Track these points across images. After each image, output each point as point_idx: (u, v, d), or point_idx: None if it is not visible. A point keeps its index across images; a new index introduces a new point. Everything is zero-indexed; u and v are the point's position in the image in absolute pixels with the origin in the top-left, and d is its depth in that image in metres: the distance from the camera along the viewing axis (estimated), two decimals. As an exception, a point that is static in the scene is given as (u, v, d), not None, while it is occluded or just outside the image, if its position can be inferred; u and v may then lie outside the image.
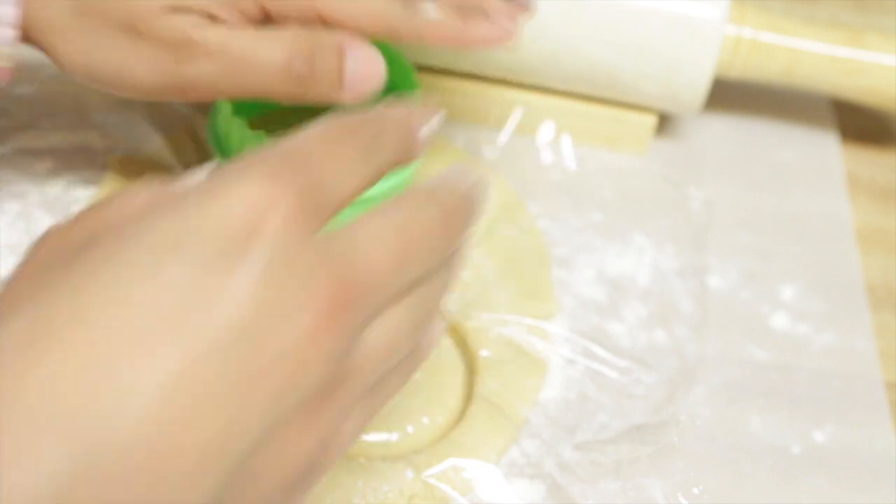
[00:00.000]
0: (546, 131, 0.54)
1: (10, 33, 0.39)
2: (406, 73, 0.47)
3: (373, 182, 0.30)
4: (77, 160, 0.49)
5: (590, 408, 0.44)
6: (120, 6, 0.39)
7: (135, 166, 0.48)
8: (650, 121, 0.54)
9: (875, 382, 0.47)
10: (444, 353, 0.44)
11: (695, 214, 0.52)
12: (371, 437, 0.41)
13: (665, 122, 0.56)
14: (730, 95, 0.57)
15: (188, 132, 0.50)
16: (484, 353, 0.44)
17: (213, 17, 0.40)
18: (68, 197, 0.47)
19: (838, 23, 0.56)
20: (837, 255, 0.52)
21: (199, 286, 0.25)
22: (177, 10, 0.39)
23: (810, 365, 0.47)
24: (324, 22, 0.40)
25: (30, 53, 0.41)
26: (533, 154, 0.54)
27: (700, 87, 0.52)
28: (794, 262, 0.51)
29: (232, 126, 0.44)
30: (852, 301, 0.50)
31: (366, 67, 0.40)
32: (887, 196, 0.56)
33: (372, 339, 0.28)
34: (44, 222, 0.46)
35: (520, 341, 0.45)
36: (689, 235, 0.51)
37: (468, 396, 0.43)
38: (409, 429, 0.42)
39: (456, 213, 0.32)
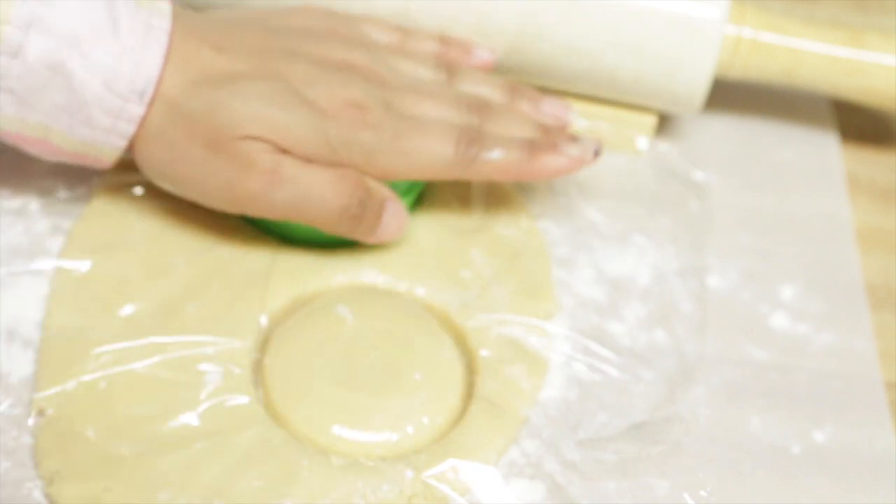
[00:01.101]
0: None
1: (131, 129, 0.42)
2: None
3: None
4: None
5: (590, 407, 0.44)
6: (209, 123, 0.42)
7: (135, 166, 0.48)
8: (650, 121, 0.54)
9: (875, 382, 0.47)
10: (444, 353, 0.44)
11: (695, 214, 0.52)
12: (371, 437, 0.41)
13: (665, 122, 0.56)
14: (730, 95, 0.57)
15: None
16: (484, 353, 0.44)
17: (286, 152, 0.43)
18: (68, 197, 0.47)
19: (838, 23, 0.56)
20: (837, 255, 0.52)
21: None
22: (257, 139, 0.42)
23: (810, 365, 0.47)
24: (389, 179, 0.45)
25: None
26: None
27: (700, 87, 0.52)
28: (794, 262, 0.51)
29: None
30: (852, 301, 0.50)
31: (396, 223, 0.45)
32: (887, 196, 0.56)
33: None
34: (44, 223, 0.46)
35: (520, 341, 0.45)
36: (688, 235, 0.51)
37: (468, 396, 0.43)
38: (409, 429, 0.42)
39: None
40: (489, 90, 0.48)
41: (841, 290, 0.50)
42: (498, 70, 0.53)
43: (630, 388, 0.45)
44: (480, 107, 0.46)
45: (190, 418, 0.41)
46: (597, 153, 0.46)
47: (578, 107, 0.54)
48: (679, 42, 0.51)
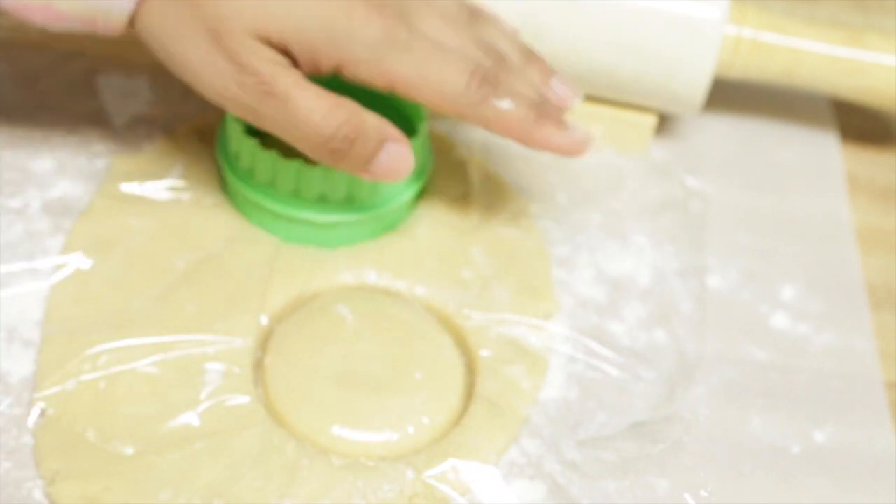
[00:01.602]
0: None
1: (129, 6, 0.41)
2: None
3: None
4: (77, 159, 0.49)
5: (590, 406, 0.44)
6: (214, 9, 0.40)
7: (136, 165, 0.48)
8: (650, 121, 0.54)
9: (875, 382, 0.47)
10: (444, 353, 0.44)
11: (694, 214, 0.52)
12: (371, 437, 0.41)
13: (665, 122, 0.56)
14: (730, 95, 0.57)
15: (195, 132, 0.50)
16: (484, 353, 0.44)
17: (289, 58, 0.41)
18: (68, 197, 0.47)
19: (838, 23, 0.57)
20: (837, 255, 0.52)
21: None
22: (261, 38, 0.40)
23: (810, 365, 0.47)
24: (393, 90, 0.42)
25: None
26: (533, 154, 0.54)
27: (700, 87, 0.52)
28: (794, 262, 0.51)
29: (243, 146, 0.45)
30: (852, 301, 0.50)
31: (395, 164, 0.43)
32: (887, 196, 0.56)
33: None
34: (44, 222, 0.46)
35: (520, 341, 0.45)
36: (688, 235, 0.51)
37: (468, 396, 0.43)
38: (410, 429, 0.42)
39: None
40: (508, 45, 0.46)
41: (841, 290, 0.50)
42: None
43: (630, 388, 0.45)
44: (498, 56, 0.44)
45: (190, 418, 0.41)
46: (589, 145, 0.45)
47: (579, 107, 0.54)
48: (679, 42, 0.51)
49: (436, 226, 0.48)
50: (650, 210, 0.52)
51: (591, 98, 0.54)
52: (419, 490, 0.40)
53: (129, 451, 0.39)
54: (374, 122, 0.42)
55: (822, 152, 0.57)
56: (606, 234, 0.50)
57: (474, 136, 0.53)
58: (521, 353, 0.45)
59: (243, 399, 0.42)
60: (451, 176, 0.51)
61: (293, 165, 0.44)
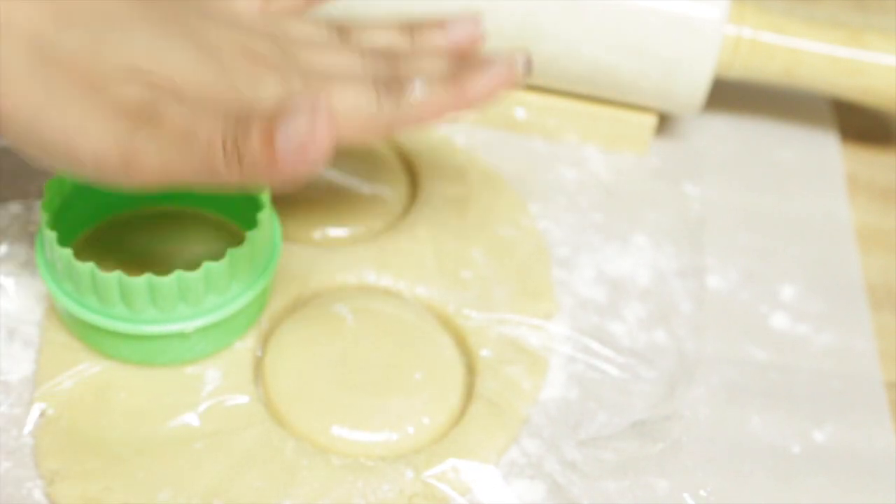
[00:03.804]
0: (547, 131, 0.54)
1: None
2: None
3: None
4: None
5: (590, 406, 0.44)
6: (88, 59, 0.36)
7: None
8: (650, 121, 0.54)
9: (875, 382, 0.47)
10: (444, 353, 0.44)
11: (694, 215, 0.52)
12: (371, 437, 0.41)
13: (665, 122, 0.56)
14: (730, 95, 0.57)
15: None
16: (484, 353, 0.44)
17: (179, 94, 0.37)
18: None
19: (838, 23, 0.56)
20: (837, 255, 0.52)
21: None
22: (146, 74, 0.36)
23: (810, 365, 0.47)
24: None
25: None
26: (533, 154, 0.54)
27: (700, 87, 0.52)
28: (793, 262, 0.51)
29: (56, 254, 0.40)
30: (852, 301, 0.50)
31: (294, 123, 0.33)
32: (887, 196, 0.56)
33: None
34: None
35: (520, 341, 0.45)
36: (688, 235, 0.51)
37: (468, 396, 0.43)
38: (410, 429, 0.42)
39: None
40: (388, 36, 0.42)
41: (841, 290, 0.50)
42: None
43: (630, 388, 0.45)
44: (387, 55, 0.41)
45: (190, 418, 0.41)
46: (528, 63, 0.40)
47: (579, 107, 0.54)
48: (679, 42, 0.51)
49: (436, 226, 0.48)
50: (650, 210, 0.52)
51: (591, 98, 0.54)
52: (419, 490, 0.40)
53: (129, 451, 0.39)
54: (247, 112, 0.35)
55: (822, 152, 0.57)
56: (606, 234, 0.50)
57: (475, 137, 0.53)
58: (522, 353, 0.45)
59: (243, 399, 0.42)
60: (451, 176, 0.51)
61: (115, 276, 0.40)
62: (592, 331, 0.46)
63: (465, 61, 0.40)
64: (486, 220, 0.49)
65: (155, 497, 0.38)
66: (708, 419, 0.44)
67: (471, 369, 0.44)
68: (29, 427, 0.40)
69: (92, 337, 0.42)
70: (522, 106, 0.54)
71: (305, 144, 0.33)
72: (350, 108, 0.38)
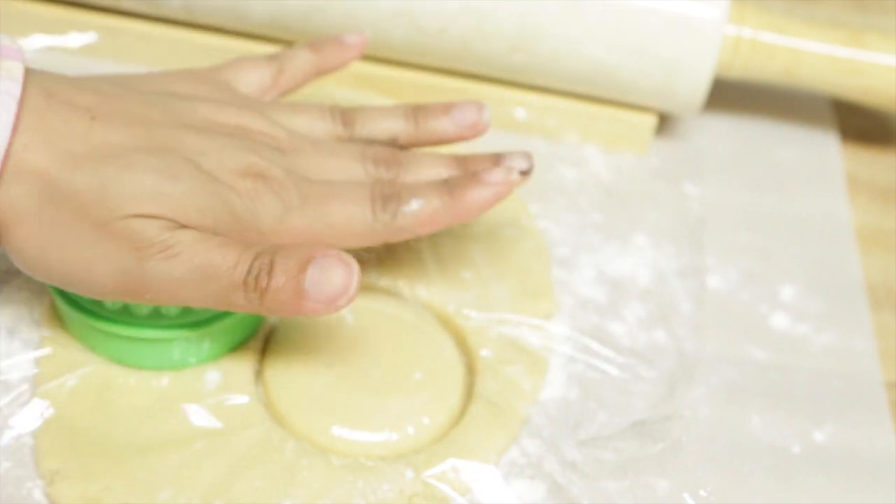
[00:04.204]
0: (546, 131, 0.54)
1: None
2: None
3: None
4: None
5: (590, 406, 0.44)
6: (94, 198, 0.37)
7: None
8: (650, 121, 0.54)
9: (875, 382, 0.47)
10: (444, 353, 0.44)
11: (694, 215, 0.52)
12: (371, 437, 0.41)
13: (665, 122, 0.56)
14: (730, 95, 0.57)
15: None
16: (484, 353, 0.44)
17: (184, 226, 0.38)
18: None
19: (838, 23, 0.57)
20: (837, 255, 0.52)
21: None
22: (151, 216, 0.38)
23: (810, 365, 0.47)
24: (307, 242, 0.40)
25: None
26: (533, 154, 0.54)
27: (700, 87, 0.52)
28: (793, 262, 0.51)
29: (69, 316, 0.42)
30: (852, 301, 0.50)
31: (330, 279, 0.36)
32: (887, 196, 0.56)
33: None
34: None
35: (520, 341, 0.45)
36: (688, 235, 0.51)
37: (468, 396, 0.43)
38: (410, 429, 0.42)
39: None
40: (392, 123, 0.44)
41: (841, 290, 0.50)
42: (498, 69, 0.53)
43: (630, 388, 0.45)
44: (388, 159, 0.42)
45: (190, 418, 0.41)
46: (525, 171, 0.42)
47: (579, 107, 0.54)
48: (679, 42, 0.51)
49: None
50: (650, 210, 0.52)
51: (591, 98, 0.54)
52: (419, 490, 0.40)
53: (129, 451, 0.39)
54: (293, 247, 0.38)
55: (822, 152, 0.57)
56: (606, 234, 0.50)
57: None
58: (522, 353, 0.45)
59: (243, 399, 0.42)
60: (451, 176, 0.51)
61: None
62: (592, 331, 0.46)
63: (463, 166, 0.43)
64: (486, 220, 0.49)
65: (155, 497, 0.38)
66: (708, 419, 0.44)
67: (471, 369, 0.44)
68: (29, 427, 0.40)
69: (95, 340, 0.42)
70: (522, 106, 0.54)
71: (337, 297, 0.37)
72: (346, 220, 0.40)
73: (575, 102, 0.54)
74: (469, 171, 0.42)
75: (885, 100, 0.54)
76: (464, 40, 0.52)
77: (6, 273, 0.44)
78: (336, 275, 0.36)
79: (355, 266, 0.37)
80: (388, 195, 0.40)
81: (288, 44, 0.54)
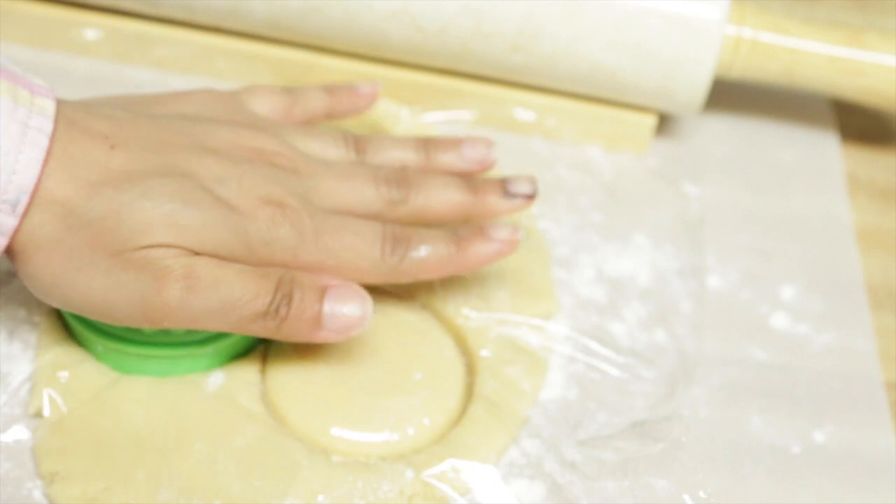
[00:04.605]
0: (546, 131, 0.54)
1: (1, 242, 0.38)
2: None
3: None
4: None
5: (590, 406, 0.44)
6: (115, 231, 0.38)
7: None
8: (650, 121, 0.54)
9: (875, 382, 0.47)
10: (444, 353, 0.44)
11: (694, 214, 0.52)
12: (371, 437, 0.41)
13: (665, 122, 0.56)
14: (730, 95, 0.57)
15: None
16: (484, 353, 0.44)
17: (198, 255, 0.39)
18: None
19: (838, 23, 0.56)
20: (837, 255, 0.52)
21: None
22: (169, 245, 0.38)
23: (810, 365, 0.47)
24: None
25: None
26: (533, 154, 0.54)
27: (700, 87, 0.52)
28: (794, 262, 0.51)
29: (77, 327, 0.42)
30: (852, 301, 0.50)
31: (346, 310, 0.39)
32: (887, 196, 0.56)
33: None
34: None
35: (520, 341, 0.45)
36: (688, 235, 0.51)
37: (468, 396, 0.43)
38: (410, 430, 0.42)
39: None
40: (402, 153, 0.46)
41: (841, 290, 0.50)
42: (498, 70, 0.53)
43: (630, 388, 0.45)
44: (399, 179, 0.44)
45: (190, 418, 0.41)
46: (529, 196, 0.44)
47: (579, 107, 0.54)
48: (679, 42, 0.51)
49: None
50: (650, 210, 0.52)
51: (591, 98, 0.54)
52: (419, 490, 0.40)
53: (130, 451, 0.39)
54: (308, 276, 0.40)
55: (822, 152, 0.57)
56: (606, 234, 0.50)
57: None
58: (521, 353, 0.45)
59: (243, 399, 0.42)
60: (451, 176, 0.51)
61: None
62: (592, 331, 0.46)
63: (473, 190, 0.44)
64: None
65: (155, 497, 0.38)
66: (708, 419, 0.44)
67: (471, 369, 0.44)
68: (29, 428, 0.40)
69: (102, 352, 0.42)
70: (522, 106, 0.54)
71: (351, 327, 0.40)
72: (356, 258, 0.41)
73: (575, 102, 0.54)
74: (476, 225, 0.44)
75: (885, 100, 0.54)
76: (464, 40, 0.52)
77: (6, 274, 0.44)
78: (352, 306, 0.40)
79: (368, 298, 0.40)
80: (399, 238, 0.42)
81: (288, 44, 0.54)
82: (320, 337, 0.40)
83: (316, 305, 0.39)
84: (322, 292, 0.39)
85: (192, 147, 0.41)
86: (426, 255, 0.42)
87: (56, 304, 0.39)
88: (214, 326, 0.39)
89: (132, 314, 0.38)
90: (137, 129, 0.40)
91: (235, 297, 0.38)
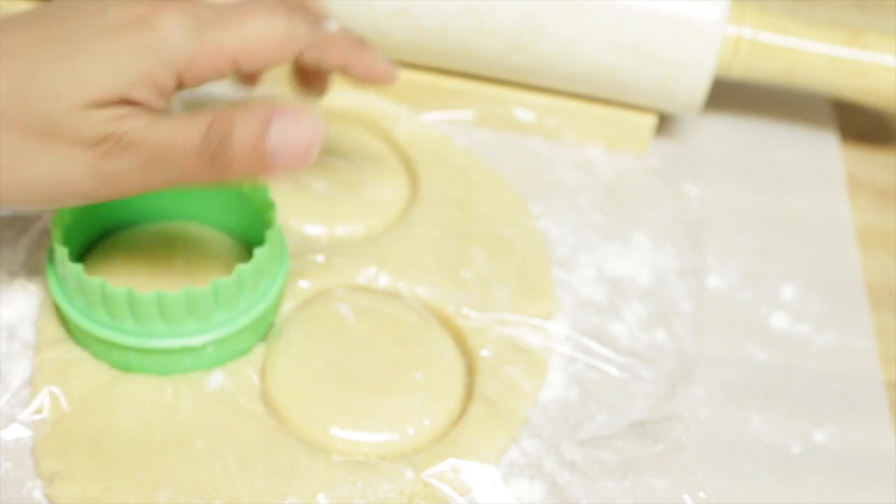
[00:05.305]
0: (546, 131, 0.54)
1: None
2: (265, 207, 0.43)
3: None
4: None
5: (590, 406, 0.44)
6: (32, 111, 0.36)
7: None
8: (650, 121, 0.54)
9: (875, 382, 0.47)
10: (444, 353, 0.44)
11: (694, 214, 0.52)
12: (371, 436, 0.41)
13: (665, 122, 0.56)
14: (730, 95, 0.57)
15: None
16: (484, 353, 0.44)
17: (130, 103, 0.37)
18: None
19: (838, 23, 0.56)
20: (837, 255, 0.52)
21: None
22: (93, 104, 0.36)
23: (810, 365, 0.47)
24: (237, 65, 0.38)
25: None
26: (533, 154, 0.54)
27: (700, 87, 0.52)
28: (794, 262, 0.51)
29: (67, 270, 0.41)
30: (852, 301, 0.50)
31: (292, 135, 0.36)
32: (887, 196, 0.56)
33: None
34: (44, 220, 0.46)
35: (520, 341, 0.45)
36: (688, 235, 0.51)
37: (468, 396, 0.43)
38: (410, 430, 0.42)
39: None
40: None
41: (841, 290, 0.50)
42: (499, 70, 0.53)
43: (630, 388, 0.45)
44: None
45: (190, 418, 0.41)
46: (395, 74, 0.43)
47: (579, 107, 0.54)
48: (679, 42, 0.51)
49: (436, 226, 0.48)
50: (650, 210, 0.52)
51: (591, 98, 0.54)
52: (419, 490, 0.40)
53: (129, 451, 0.39)
54: (241, 107, 0.37)
55: (822, 152, 0.57)
56: (606, 234, 0.50)
57: (475, 137, 0.53)
58: (521, 353, 0.45)
59: (244, 399, 0.42)
60: (451, 176, 0.51)
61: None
62: (592, 331, 0.46)
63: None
64: (486, 220, 0.49)
65: (155, 497, 0.38)
66: (708, 419, 0.44)
67: (471, 369, 0.44)
68: (29, 427, 0.40)
69: (101, 349, 0.42)
70: (522, 106, 0.54)
71: (302, 155, 0.36)
72: (271, 28, 0.38)
73: (575, 102, 0.54)
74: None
75: (885, 100, 0.54)
76: (464, 40, 0.52)
77: (7, 274, 0.44)
78: (300, 129, 0.36)
79: (319, 117, 0.36)
80: (303, 10, 0.40)
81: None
82: (274, 172, 0.36)
83: (260, 136, 0.36)
84: (265, 119, 0.36)
85: (66, 5, 0.38)
86: (335, 27, 0.40)
87: (24, 204, 0.38)
88: (164, 182, 0.37)
89: (86, 188, 0.37)
90: (13, 21, 0.38)
91: (171, 142, 0.36)
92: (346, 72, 0.42)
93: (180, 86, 0.38)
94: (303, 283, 0.45)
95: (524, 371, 0.44)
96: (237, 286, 0.41)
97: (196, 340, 0.41)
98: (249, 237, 0.44)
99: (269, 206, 0.42)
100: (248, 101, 0.37)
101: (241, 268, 0.40)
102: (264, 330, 0.44)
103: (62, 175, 0.37)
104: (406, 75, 0.54)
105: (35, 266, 0.44)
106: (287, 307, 0.45)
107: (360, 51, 0.42)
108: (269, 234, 0.41)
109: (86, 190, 0.37)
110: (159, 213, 0.46)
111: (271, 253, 0.42)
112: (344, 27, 0.41)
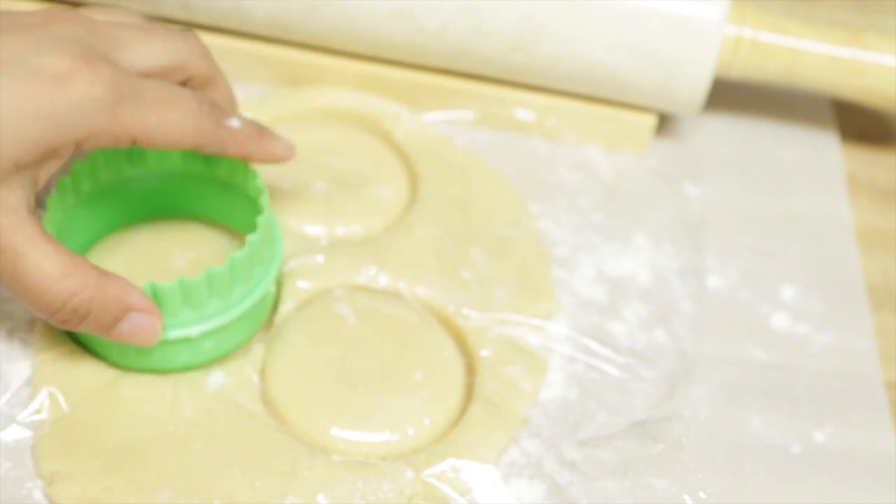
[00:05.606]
0: (546, 131, 0.54)
1: None
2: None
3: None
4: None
5: (590, 406, 0.44)
6: None
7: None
8: (650, 121, 0.54)
9: (875, 382, 0.47)
10: (444, 353, 0.44)
11: (694, 214, 0.52)
12: (371, 437, 0.41)
13: (665, 122, 0.56)
14: (730, 95, 0.57)
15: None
16: (484, 353, 0.44)
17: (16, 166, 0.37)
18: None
19: (838, 23, 0.56)
20: (837, 255, 0.52)
21: None
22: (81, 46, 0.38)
23: (810, 365, 0.47)
24: (135, 143, 0.39)
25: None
26: (533, 155, 0.54)
27: (700, 87, 0.52)
28: (794, 262, 0.51)
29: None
30: (852, 301, 0.50)
31: (136, 335, 0.40)
32: (887, 196, 0.56)
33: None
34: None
35: (520, 341, 0.45)
36: (688, 235, 0.51)
37: (468, 396, 0.43)
38: (410, 430, 0.42)
39: None
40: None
41: (841, 290, 0.50)
42: (499, 70, 0.53)
43: (630, 388, 0.45)
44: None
45: (190, 418, 0.41)
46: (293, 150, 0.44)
47: (579, 107, 0.54)
48: (679, 42, 0.51)
49: (436, 226, 0.48)
50: (650, 210, 0.52)
51: (591, 98, 0.54)
52: (419, 490, 0.40)
53: (129, 451, 0.39)
54: (114, 293, 0.39)
55: (822, 152, 0.57)
56: (606, 234, 0.50)
57: (475, 137, 0.53)
58: (521, 353, 0.45)
59: (244, 399, 0.42)
60: (451, 176, 0.51)
61: None
62: (592, 331, 0.46)
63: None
64: (486, 220, 0.49)
65: (155, 497, 0.38)
66: (708, 419, 0.44)
67: (471, 369, 0.44)
68: (29, 428, 0.40)
69: (101, 346, 0.42)
70: (522, 106, 0.54)
71: (139, 340, 0.40)
72: (181, 116, 0.40)
73: (575, 102, 0.54)
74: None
75: (885, 100, 0.54)
76: (464, 40, 0.52)
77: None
78: (145, 336, 0.40)
79: (159, 328, 0.40)
80: (213, 104, 0.41)
81: (288, 44, 0.54)
82: (106, 337, 0.40)
83: (111, 324, 0.39)
84: (122, 314, 0.39)
85: None
86: (238, 125, 0.42)
87: None
88: (8, 289, 0.38)
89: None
90: None
91: (30, 285, 0.37)
92: (246, 159, 0.43)
93: (76, 149, 0.39)
94: (303, 284, 0.45)
95: (524, 371, 0.44)
96: (230, 274, 0.41)
97: (193, 331, 0.41)
98: (244, 226, 0.44)
99: (259, 192, 0.42)
100: (116, 281, 0.39)
101: (234, 255, 0.40)
102: (261, 321, 0.43)
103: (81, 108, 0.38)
104: (406, 75, 0.54)
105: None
106: (287, 307, 0.45)
107: (260, 140, 0.43)
108: (261, 220, 0.41)
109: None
110: (158, 210, 0.46)
111: (264, 239, 0.42)
112: (246, 120, 0.43)
